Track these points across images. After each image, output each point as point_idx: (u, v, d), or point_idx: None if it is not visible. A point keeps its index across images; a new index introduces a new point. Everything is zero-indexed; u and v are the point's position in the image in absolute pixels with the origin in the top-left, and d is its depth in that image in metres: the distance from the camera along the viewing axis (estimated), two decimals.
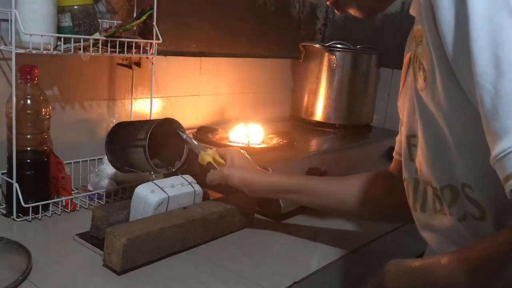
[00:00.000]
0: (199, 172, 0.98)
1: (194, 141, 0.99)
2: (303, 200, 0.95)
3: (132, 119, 1.21)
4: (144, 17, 1.06)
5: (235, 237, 0.97)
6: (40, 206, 0.97)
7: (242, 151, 0.99)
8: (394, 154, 0.89)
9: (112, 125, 1.05)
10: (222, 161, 0.98)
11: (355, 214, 0.95)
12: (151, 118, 1.17)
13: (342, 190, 0.92)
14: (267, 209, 1.06)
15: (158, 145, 0.99)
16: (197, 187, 0.95)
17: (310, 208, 1.12)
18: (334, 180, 0.95)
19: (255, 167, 0.97)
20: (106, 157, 1.12)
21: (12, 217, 0.95)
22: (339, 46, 1.52)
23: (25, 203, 0.94)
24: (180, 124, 0.99)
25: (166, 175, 0.98)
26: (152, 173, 1.15)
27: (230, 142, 1.23)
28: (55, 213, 1.00)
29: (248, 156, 0.99)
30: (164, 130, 0.98)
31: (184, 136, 0.98)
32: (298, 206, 1.09)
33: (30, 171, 0.96)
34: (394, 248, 1.12)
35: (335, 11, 0.81)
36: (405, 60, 0.78)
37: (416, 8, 0.63)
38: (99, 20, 1.07)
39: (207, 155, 0.97)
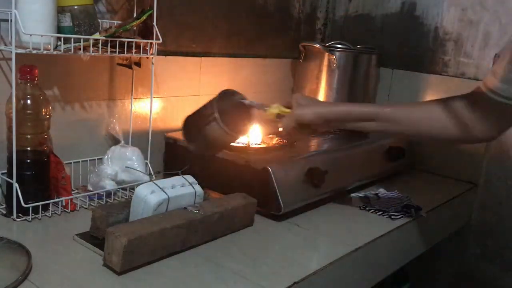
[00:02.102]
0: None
1: (257, 102, 1.01)
2: (379, 127, 0.98)
3: (132, 119, 1.21)
4: (144, 17, 1.06)
5: (235, 237, 0.97)
6: (40, 206, 0.97)
7: (306, 95, 1.00)
8: (485, 90, 0.91)
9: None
10: (288, 110, 0.99)
11: (435, 138, 1.01)
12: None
13: (419, 113, 0.97)
14: (267, 209, 1.06)
15: (226, 120, 0.99)
16: (198, 188, 0.95)
17: (310, 208, 1.13)
18: (411, 106, 1.00)
19: (322, 101, 0.98)
20: (106, 157, 1.13)
21: (12, 217, 0.95)
22: (339, 46, 1.52)
23: (25, 203, 0.94)
24: (237, 92, 1.01)
25: (166, 175, 0.98)
26: (153, 174, 1.15)
27: None
28: (55, 213, 1.00)
29: (311, 96, 1.00)
30: (226, 103, 1.00)
31: (247, 102, 1.00)
32: (298, 206, 1.09)
33: (30, 171, 0.96)
34: (394, 248, 1.12)
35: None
36: None
37: None
38: (99, 20, 1.07)
39: (274, 109, 0.99)
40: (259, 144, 1.25)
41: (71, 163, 1.12)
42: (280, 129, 0.99)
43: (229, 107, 0.99)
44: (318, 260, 0.92)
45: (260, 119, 1.05)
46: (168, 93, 1.31)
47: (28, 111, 0.94)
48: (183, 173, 0.97)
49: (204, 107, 0.99)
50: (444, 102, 0.97)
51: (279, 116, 0.99)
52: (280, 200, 1.04)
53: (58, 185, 1.02)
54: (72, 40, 0.96)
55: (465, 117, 0.94)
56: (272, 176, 1.04)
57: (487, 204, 1.48)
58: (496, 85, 0.89)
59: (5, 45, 0.99)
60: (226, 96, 0.99)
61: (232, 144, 1.03)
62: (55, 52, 0.95)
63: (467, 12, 1.49)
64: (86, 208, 1.05)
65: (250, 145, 1.21)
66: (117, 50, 1.02)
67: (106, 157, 1.13)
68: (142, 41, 1.07)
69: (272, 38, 1.63)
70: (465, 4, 1.49)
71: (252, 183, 1.07)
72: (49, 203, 0.99)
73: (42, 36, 0.91)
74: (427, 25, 1.58)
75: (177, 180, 0.93)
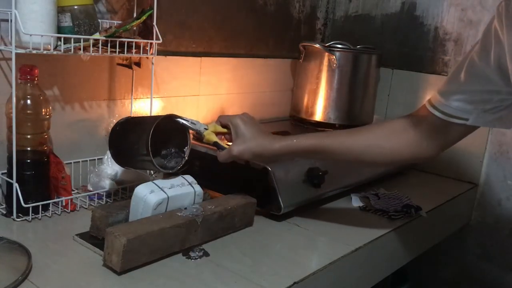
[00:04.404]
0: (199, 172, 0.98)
1: (193, 122, 0.98)
2: (320, 158, 0.99)
3: None
4: (144, 17, 1.06)
5: (235, 237, 0.97)
6: (40, 206, 0.97)
7: (244, 115, 0.98)
8: (428, 106, 0.91)
9: (107, 135, 1.04)
10: (225, 130, 0.98)
11: (377, 164, 1.02)
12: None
13: (359, 143, 0.95)
14: (267, 209, 1.06)
15: (164, 138, 0.98)
16: (197, 187, 0.95)
17: (310, 208, 1.13)
18: (352, 135, 0.97)
19: (262, 133, 0.96)
20: (106, 157, 1.13)
21: (12, 217, 0.95)
22: (339, 46, 1.52)
23: (25, 203, 0.94)
24: (173, 115, 0.97)
25: (166, 175, 0.98)
26: (153, 173, 1.16)
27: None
28: (55, 213, 1.00)
29: (251, 119, 0.98)
30: (163, 124, 0.98)
31: (181, 122, 0.97)
32: (298, 206, 1.09)
33: (30, 171, 0.96)
34: (394, 248, 1.12)
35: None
36: None
37: None
38: (99, 20, 1.07)
39: (211, 135, 0.97)
40: None
41: (71, 163, 1.12)
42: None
43: (165, 127, 0.96)
44: (318, 260, 0.92)
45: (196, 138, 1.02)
46: (168, 93, 1.31)
47: (28, 111, 0.94)
48: (183, 173, 0.97)
49: (136, 138, 0.95)
50: (385, 126, 0.97)
51: (216, 144, 0.97)
52: (280, 200, 1.04)
53: (58, 185, 1.02)
54: (72, 40, 0.96)
55: (410, 137, 0.93)
56: (272, 176, 1.04)
57: (487, 204, 1.48)
58: (437, 100, 0.89)
59: (5, 45, 0.99)
60: (163, 122, 0.95)
61: None
62: (55, 52, 0.95)
63: (467, 12, 1.49)
64: (86, 208, 1.05)
65: None
66: (117, 50, 1.02)
67: (106, 157, 1.13)
68: (142, 41, 1.07)
69: (272, 38, 1.63)
70: (465, 4, 1.49)
71: (252, 183, 1.07)
72: (49, 203, 0.99)
73: (42, 36, 0.91)
74: (427, 25, 1.58)
75: (176, 180, 0.93)
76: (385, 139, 0.95)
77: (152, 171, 1.14)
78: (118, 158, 1.01)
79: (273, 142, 0.95)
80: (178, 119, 0.97)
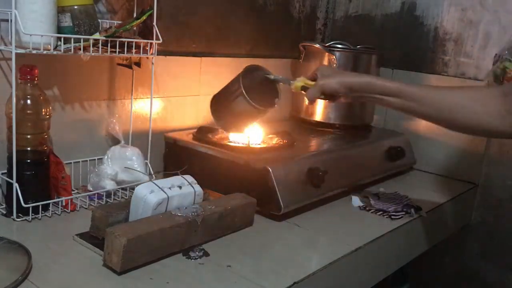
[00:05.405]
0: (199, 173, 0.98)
1: (282, 77, 1.07)
2: (402, 105, 0.94)
3: (132, 119, 1.21)
4: (144, 17, 1.06)
5: (235, 237, 0.97)
6: (40, 206, 0.97)
7: (328, 65, 1.03)
8: None
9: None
10: (312, 83, 1.03)
11: (461, 126, 0.93)
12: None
13: (450, 99, 0.91)
14: (267, 209, 1.06)
15: (253, 95, 1.04)
16: (197, 188, 0.95)
17: (310, 208, 1.13)
18: (437, 87, 0.98)
19: (346, 72, 1.02)
20: (106, 157, 1.13)
21: (12, 217, 0.95)
22: (339, 46, 1.52)
23: (25, 203, 0.94)
24: (263, 68, 1.07)
25: (166, 175, 0.98)
26: (153, 174, 1.16)
27: (230, 142, 1.23)
28: (55, 213, 1.00)
29: (335, 68, 1.04)
30: (252, 79, 1.05)
31: (272, 77, 1.06)
32: (298, 206, 1.09)
33: (30, 171, 0.96)
34: (394, 248, 1.12)
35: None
36: None
37: None
38: (99, 20, 1.07)
39: (298, 82, 1.04)
40: (259, 144, 1.25)
41: (71, 163, 1.12)
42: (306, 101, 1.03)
43: (254, 82, 1.04)
44: (318, 260, 0.92)
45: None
46: (168, 93, 1.31)
47: (28, 111, 0.94)
48: (183, 173, 0.97)
49: (230, 84, 1.04)
50: (479, 90, 0.94)
51: (304, 88, 1.03)
52: (280, 200, 1.04)
53: (58, 185, 1.02)
54: (72, 40, 0.96)
55: (499, 107, 0.87)
56: (272, 176, 1.04)
57: (487, 204, 1.48)
58: None
59: (5, 45, 0.99)
60: (251, 71, 1.04)
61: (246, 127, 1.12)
62: (55, 52, 0.95)
63: (467, 12, 1.49)
64: (86, 208, 1.05)
65: (250, 145, 1.21)
66: (117, 50, 1.02)
67: (106, 157, 1.13)
68: (142, 41, 1.07)
69: (272, 38, 1.63)
70: (465, 4, 1.49)
71: (252, 183, 1.07)
72: (49, 203, 0.99)
73: (42, 36, 0.91)
74: (427, 25, 1.58)
75: (176, 180, 0.93)
76: (478, 103, 0.89)
77: (152, 173, 1.14)
78: (216, 113, 1.08)
79: (361, 75, 1.00)
80: (269, 75, 1.07)
